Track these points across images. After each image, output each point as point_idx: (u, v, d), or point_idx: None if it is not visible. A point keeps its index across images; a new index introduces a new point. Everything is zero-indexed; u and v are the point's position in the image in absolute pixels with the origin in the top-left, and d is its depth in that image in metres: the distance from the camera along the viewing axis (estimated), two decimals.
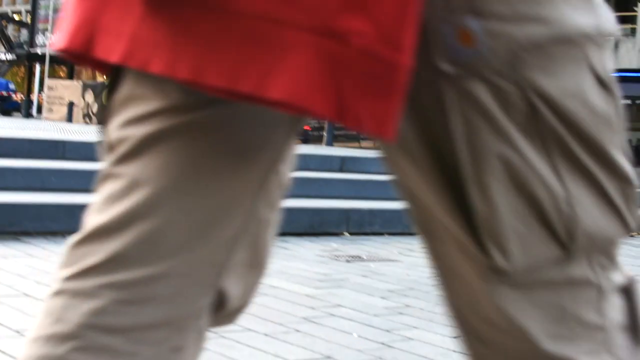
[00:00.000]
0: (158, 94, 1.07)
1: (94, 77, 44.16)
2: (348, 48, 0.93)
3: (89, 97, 35.99)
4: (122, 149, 1.09)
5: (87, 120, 35.23)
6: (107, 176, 1.12)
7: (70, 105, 33.50)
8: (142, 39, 1.00)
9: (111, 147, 1.12)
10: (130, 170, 1.09)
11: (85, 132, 12.20)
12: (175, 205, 1.08)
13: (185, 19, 0.96)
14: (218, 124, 1.07)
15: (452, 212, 1.09)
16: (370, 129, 0.95)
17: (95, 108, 35.55)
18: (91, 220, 1.12)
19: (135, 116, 1.09)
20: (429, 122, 1.07)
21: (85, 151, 8.22)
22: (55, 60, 52.55)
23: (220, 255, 1.14)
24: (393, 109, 0.95)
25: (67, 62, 52.74)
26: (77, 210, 6.54)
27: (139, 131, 1.08)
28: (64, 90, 38.30)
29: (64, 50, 1.12)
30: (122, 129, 1.10)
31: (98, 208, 1.11)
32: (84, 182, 7.15)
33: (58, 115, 36.54)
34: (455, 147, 1.06)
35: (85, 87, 36.75)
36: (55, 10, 53.31)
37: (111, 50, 1.03)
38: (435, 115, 1.06)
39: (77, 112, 35.13)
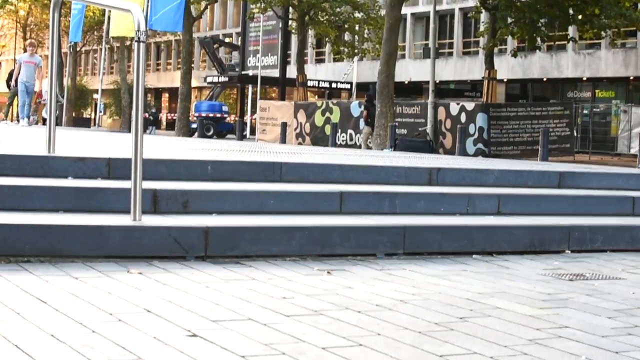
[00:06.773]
0: None
1: (305, 98, 44.89)
2: None
3: (302, 117, 36.63)
4: None
5: (300, 140, 35.87)
6: None
7: (284, 126, 34.15)
8: None
9: None
10: None
11: (300, 153, 12.37)
12: None
13: None
14: None
15: None
16: None
17: (307, 128, 36.15)
18: None
19: None
20: None
21: (301, 172, 8.34)
22: (266, 81, 53.79)
23: None
24: None
25: (278, 84, 53.93)
26: (296, 233, 6.65)
27: None
28: (276, 111, 39.14)
29: None
30: None
31: None
32: (301, 204, 7.27)
33: (271, 136, 37.35)
34: None
35: (297, 108, 37.42)
36: (265, 33, 54.58)
37: None
38: None
39: (290, 133, 35.80)
